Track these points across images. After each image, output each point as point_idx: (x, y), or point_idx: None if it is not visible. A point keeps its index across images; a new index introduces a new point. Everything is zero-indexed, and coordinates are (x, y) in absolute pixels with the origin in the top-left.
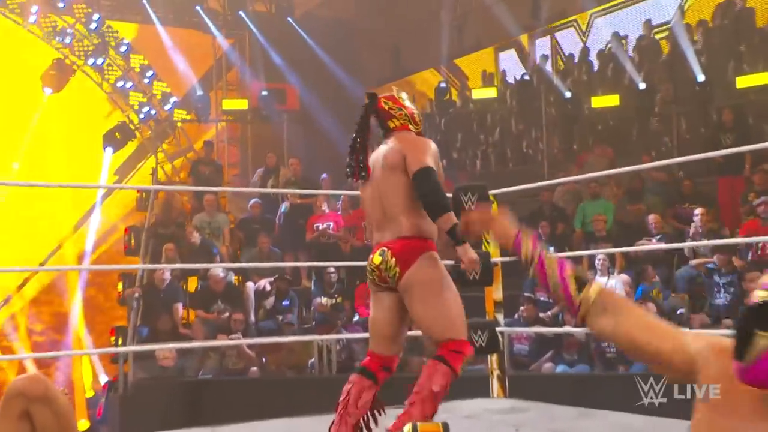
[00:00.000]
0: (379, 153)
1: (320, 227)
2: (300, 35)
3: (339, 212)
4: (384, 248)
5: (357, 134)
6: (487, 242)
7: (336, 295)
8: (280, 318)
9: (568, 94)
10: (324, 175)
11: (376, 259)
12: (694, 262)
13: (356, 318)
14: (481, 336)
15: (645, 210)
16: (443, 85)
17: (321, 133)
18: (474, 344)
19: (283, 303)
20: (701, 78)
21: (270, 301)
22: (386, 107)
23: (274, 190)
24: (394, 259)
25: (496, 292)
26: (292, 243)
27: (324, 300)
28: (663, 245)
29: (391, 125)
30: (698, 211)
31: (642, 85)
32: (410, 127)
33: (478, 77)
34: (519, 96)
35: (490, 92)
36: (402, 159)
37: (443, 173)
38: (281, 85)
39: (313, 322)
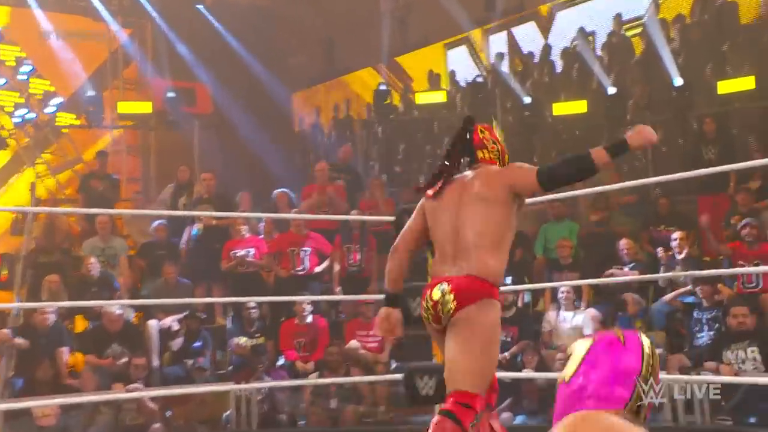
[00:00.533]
0: (465, 180)
1: (238, 254)
2: (212, 25)
3: (261, 236)
4: (445, 283)
5: (451, 155)
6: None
7: (257, 335)
8: (190, 363)
9: (527, 100)
10: (242, 192)
11: (435, 293)
12: (667, 297)
13: (281, 362)
14: (427, 383)
15: (616, 234)
16: (383, 87)
17: (239, 142)
18: (419, 392)
19: (194, 345)
20: (679, 82)
21: (177, 343)
22: (481, 136)
23: (183, 213)
24: (452, 295)
25: None
26: (205, 273)
27: (243, 340)
28: (635, 276)
29: (480, 156)
30: (676, 234)
31: (611, 90)
32: (497, 164)
33: (424, 78)
34: (471, 101)
35: (438, 96)
36: (498, 191)
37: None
38: (190, 84)
39: (230, 367)
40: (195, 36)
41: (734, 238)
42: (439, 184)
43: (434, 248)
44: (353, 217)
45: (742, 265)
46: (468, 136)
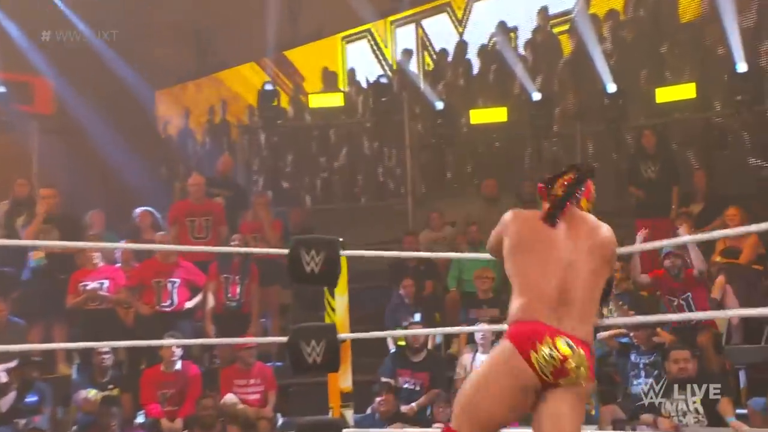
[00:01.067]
0: (583, 226)
1: (89, 287)
2: (55, 4)
3: (118, 265)
4: (565, 337)
5: (568, 195)
6: (332, 309)
7: (110, 386)
8: (22, 423)
9: (439, 105)
10: (94, 211)
11: (563, 347)
12: (602, 335)
13: (141, 419)
14: None
15: None
16: (269, 86)
17: (89, 149)
18: None
19: (28, 399)
20: (612, 88)
21: (9, 399)
22: (593, 189)
23: (14, 243)
24: (585, 358)
25: (343, 380)
26: (44, 310)
27: (92, 393)
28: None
29: (583, 206)
30: None
31: (536, 95)
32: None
33: (318, 77)
34: (374, 105)
35: (335, 99)
36: (609, 260)
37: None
38: (25, 77)
39: (74, 427)
40: (32, 17)
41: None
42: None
43: (517, 280)
44: (232, 249)
45: (671, 300)
46: (582, 187)
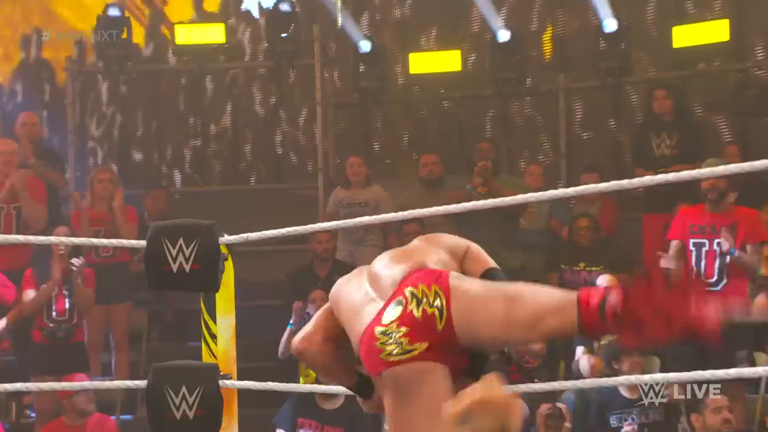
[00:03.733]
0: None
1: None
2: None
3: None
4: None
5: None
6: (211, 336)
7: None
8: None
9: (365, 45)
10: None
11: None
12: (586, 382)
13: None
14: None
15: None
16: (114, 11)
17: None
18: None
19: None
20: (611, 25)
21: None
22: None
23: None
24: None
25: None
26: None
27: None
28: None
29: None
30: (602, 279)
31: (503, 35)
32: None
33: (188, 1)
34: (270, 44)
35: (212, 33)
36: None
37: None
38: None
39: None
40: None
41: None
42: None
43: None
44: (61, 240)
45: None
46: None
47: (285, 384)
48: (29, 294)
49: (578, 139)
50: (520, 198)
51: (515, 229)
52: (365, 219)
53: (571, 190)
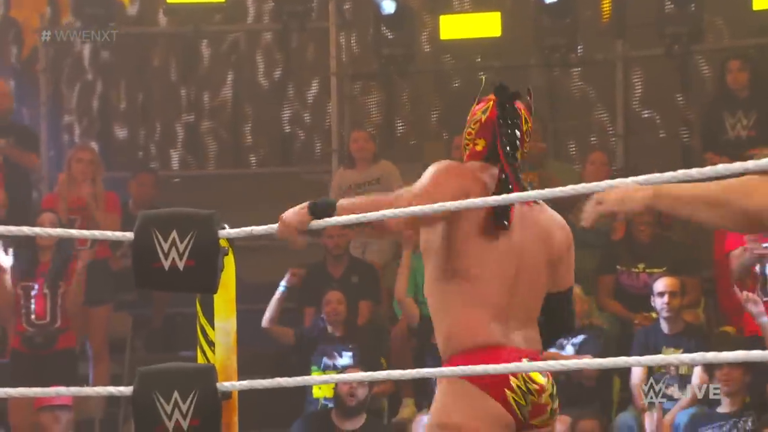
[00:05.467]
0: (540, 216)
1: None
2: None
3: None
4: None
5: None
6: (208, 342)
7: None
8: None
9: (388, 6)
10: None
11: (538, 376)
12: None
13: None
14: None
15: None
16: None
17: None
18: None
19: None
20: None
21: None
22: (526, 127)
23: None
24: (554, 386)
25: None
26: None
27: None
28: (584, 361)
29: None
30: (662, 283)
31: None
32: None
33: None
34: (277, 4)
35: None
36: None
37: None
38: None
39: None
40: None
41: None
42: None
43: (466, 285)
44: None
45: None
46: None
47: (295, 378)
48: None
49: (638, 118)
50: (570, 189)
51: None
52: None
53: (629, 180)
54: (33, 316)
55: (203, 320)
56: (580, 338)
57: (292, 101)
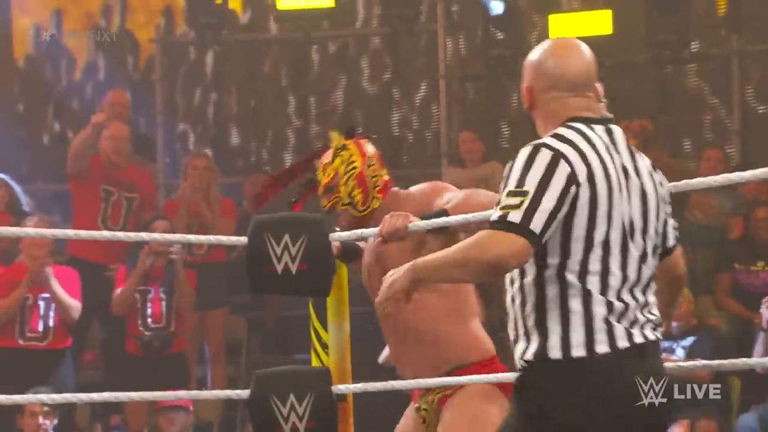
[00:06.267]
0: None
1: None
2: None
3: None
4: None
5: None
6: (322, 345)
7: None
8: None
9: (497, 6)
10: None
11: None
12: None
13: None
14: None
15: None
16: None
17: None
18: None
19: None
20: None
21: None
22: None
23: None
24: None
25: None
26: None
27: None
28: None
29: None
30: None
31: None
32: None
33: None
34: (385, 7)
35: None
36: None
37: None
38: None
39: None
40: None
41: None
42: None
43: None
44: (162, 237)
45: None
46: None
47: (409, 381)
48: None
49: (755, 114)
50: (684, 184)
51: (679, 222)
52: None
53: (748, 174)
54: (150, 320)
55: (317, 323)
56: (689, 340)
57: (401, 104)
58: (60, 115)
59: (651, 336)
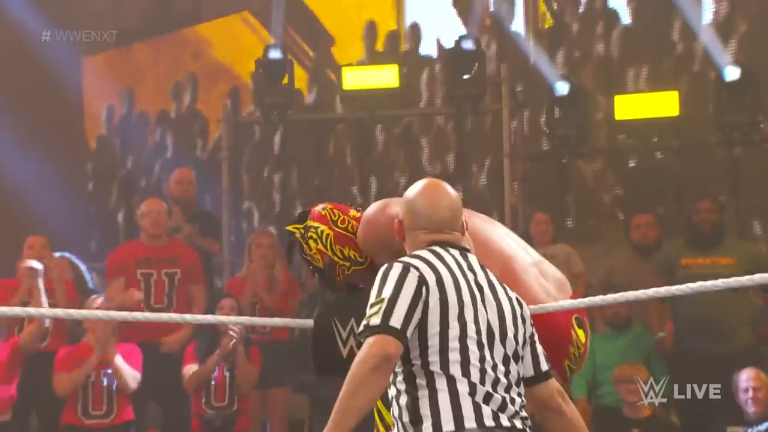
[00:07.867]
0: None
1: None
2: None
3: None
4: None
5: None
6: (385, 427)
7: None
8: None
9: (562, 88)
10: None
11: (582, 334)
12: None
13: None
14: None
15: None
16: (275, 53)
17: None
18: None
19: None
20: None
21: None
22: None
23: None
24: None
25: None
26: None
27: None
28: None
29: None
30: None
31: (732, 71)
32: None
33: (358, 40)
34: (449, 87)
35: (385, 75)
36: None
37: None
38: None
39: None
40: None
41: None
42: None
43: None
44: (225, 319)
45: None
46: None
47: None
48: (191, 369)
49: None
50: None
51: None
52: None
53: None
54: (213, 399)
55: (379, 403)
56: (765, 425)
57: (469, 181)
58: (128, 193)
59: (519, 425)
